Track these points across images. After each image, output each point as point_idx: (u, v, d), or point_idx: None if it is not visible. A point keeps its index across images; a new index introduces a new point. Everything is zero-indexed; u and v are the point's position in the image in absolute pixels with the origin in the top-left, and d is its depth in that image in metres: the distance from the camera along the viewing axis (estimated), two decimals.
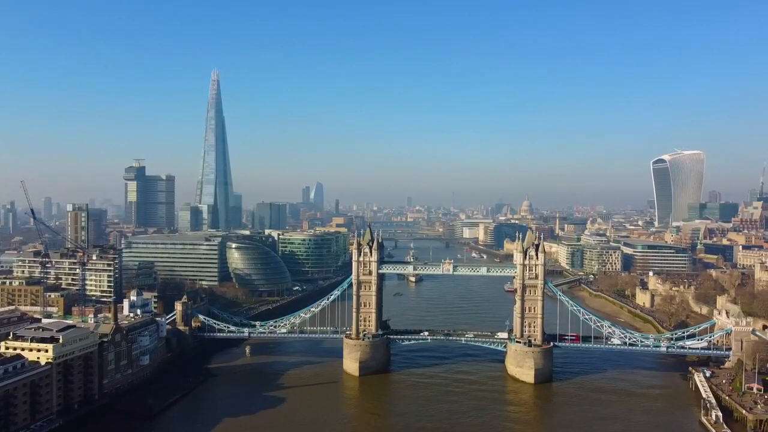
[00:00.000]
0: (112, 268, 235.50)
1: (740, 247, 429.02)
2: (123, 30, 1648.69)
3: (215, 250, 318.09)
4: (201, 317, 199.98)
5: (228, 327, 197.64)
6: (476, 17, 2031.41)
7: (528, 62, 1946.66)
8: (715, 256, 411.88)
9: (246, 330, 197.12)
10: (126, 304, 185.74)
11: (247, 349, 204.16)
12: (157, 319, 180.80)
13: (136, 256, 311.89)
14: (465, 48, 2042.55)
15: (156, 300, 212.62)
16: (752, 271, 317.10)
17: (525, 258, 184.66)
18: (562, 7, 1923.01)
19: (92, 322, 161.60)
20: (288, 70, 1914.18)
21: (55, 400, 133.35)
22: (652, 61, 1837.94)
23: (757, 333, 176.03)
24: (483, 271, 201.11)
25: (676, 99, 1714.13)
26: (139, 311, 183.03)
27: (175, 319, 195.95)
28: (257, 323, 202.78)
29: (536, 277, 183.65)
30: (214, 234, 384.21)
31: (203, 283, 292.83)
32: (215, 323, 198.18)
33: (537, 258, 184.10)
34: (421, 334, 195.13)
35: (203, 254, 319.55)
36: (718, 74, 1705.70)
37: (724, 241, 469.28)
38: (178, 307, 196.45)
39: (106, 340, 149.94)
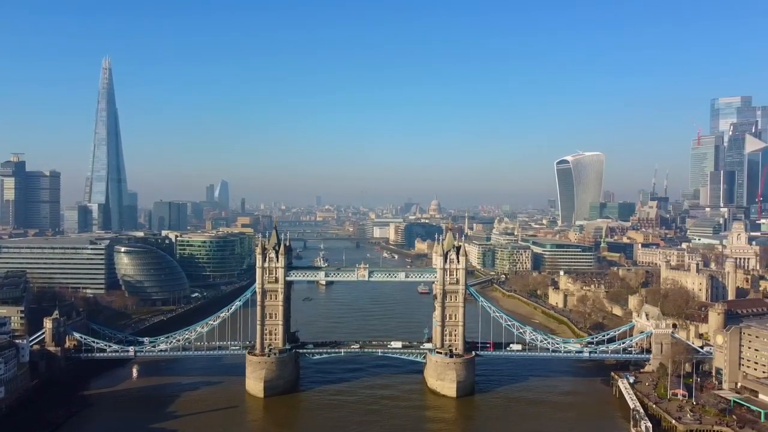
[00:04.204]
0: None
1: (640, 245, 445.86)
2: None
3: (101, 254, 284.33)
4: (77, 335, 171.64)
5: (110, 345, 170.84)
6: (386, 23, 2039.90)
7: (433, 66, 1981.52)
8: (618, 254, 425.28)
9: (131, 348, 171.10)
10: None
11: (134, 371, 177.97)
12: (17, 341, 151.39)
13: (6, 263, 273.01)
14: (372, 53, 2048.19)
15: (22, 316, 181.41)
16: (654, 268, 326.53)
17: (445, 262, 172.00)
18: (472, 14, 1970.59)
19: None
20: (191, 64, 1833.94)
21: None
22: (551, 65, 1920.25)
23: (676, 336, 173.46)
24: (401, 276, 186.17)
25: (573, 102, 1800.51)
26: None
27: (44, 338, 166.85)
28: (146, 339, 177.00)
29: (457, 282, 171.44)
30: (102, 236, 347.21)
31: (87, 291, 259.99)
32: (94, 341, 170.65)
33: (458, 262, 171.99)
34: (336, 347, 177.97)
35: (87, 259, 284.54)
36: (611, 78, 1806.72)
37: (625, 240, 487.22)
38: (48, 324, 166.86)
39: None
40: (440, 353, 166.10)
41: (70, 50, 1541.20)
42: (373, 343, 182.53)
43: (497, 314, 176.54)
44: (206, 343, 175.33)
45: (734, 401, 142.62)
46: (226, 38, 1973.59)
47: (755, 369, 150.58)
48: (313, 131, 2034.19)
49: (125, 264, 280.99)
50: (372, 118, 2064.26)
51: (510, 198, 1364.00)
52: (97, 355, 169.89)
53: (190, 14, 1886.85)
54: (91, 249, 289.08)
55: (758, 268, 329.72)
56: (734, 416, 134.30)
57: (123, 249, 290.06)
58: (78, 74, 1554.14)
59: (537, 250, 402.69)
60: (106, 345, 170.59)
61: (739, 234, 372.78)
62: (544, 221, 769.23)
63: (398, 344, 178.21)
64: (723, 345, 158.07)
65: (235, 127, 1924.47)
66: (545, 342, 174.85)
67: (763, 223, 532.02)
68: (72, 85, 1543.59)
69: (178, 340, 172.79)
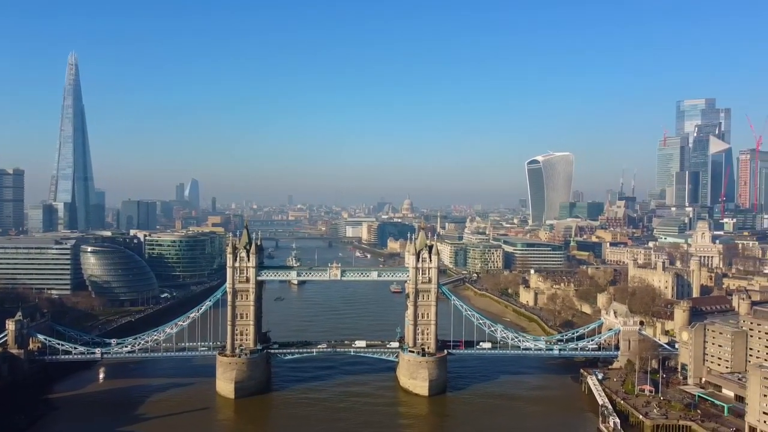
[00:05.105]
0: None
1: (608, 244, 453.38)
2: None
3: (67, 254, 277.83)
4: (41, 337, 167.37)
5: (75, 347, 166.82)
6: (359, 25, 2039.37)
7: (406, 68, 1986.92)
8: (587, 253, 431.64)
9: (98, 350, 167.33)
10: None
11: (101, 373, 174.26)
12: None
13: None
14: (346, 54, 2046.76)
15: None
16: (622, 266, 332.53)
17: (418, 261, 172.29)
18: (441, 15, 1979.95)
19: None
20: (159, 64, 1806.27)
21: None
22: (522, 67, 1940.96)
23: (643, 333, 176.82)
24: (374, 275, 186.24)
25: (543, 103, 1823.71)
26: None
27: (6, 340, 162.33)
28: (113, 341, 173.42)
29: (429, 281, 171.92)
30: (67, 236, 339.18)
31: (52, 292, 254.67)
32: (59, 343, 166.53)
33: (430, 261, 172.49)
34: (307, 347, 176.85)
35: (52, 259, 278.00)
36: (580, 79, 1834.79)
37: (593, 238, 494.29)
38: (10, 326, 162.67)
39: None
40: (413, 352, 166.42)
41: (35, 48, 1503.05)
42: (345, 342, 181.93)
43: (469, 313, 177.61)
44: (176, 344, 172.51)
45: (699, 396, 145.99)
46: (198, 38, 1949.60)
47: (719, 365, 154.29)
48: (285, 130, 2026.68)
49: (92, 264, 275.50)
50: (344, 118, 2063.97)
51: (482, 197, 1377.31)
52: (62, 357, 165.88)
53: (158, 15, 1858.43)
54: (57, 249, 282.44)
55: (721, 266, 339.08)
56: (699, 410, 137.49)
57: (90, 249, 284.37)
58: (43, 71, 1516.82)
59: (508, 249, 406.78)
60: (71, 347, 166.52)
61: (703, 233, 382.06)
62: (516, 220, 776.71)
63: (362, 343, 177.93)
64: (688, 341, 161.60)
65: (205, 126, 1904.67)
66: (516, 340, 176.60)
67: (726, 223, 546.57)
68: (36, 82, 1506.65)
69: (147, 342, 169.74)
